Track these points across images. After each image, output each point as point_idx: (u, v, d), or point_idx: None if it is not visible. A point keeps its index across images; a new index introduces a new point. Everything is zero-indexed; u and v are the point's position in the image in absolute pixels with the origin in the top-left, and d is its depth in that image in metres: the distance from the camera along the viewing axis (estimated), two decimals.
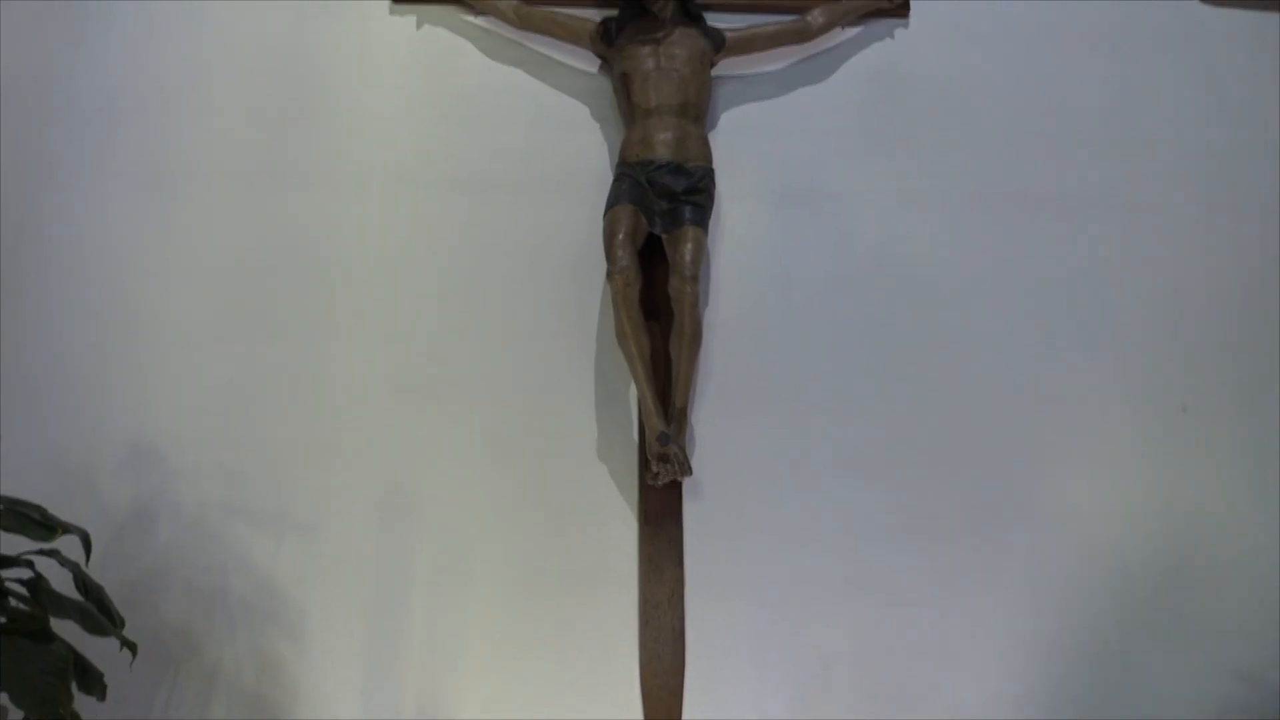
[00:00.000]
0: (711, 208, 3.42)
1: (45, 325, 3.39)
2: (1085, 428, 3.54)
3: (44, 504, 2.56)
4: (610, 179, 3.46)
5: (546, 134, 3.65)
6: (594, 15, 3.65)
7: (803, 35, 3.71)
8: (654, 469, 3.19)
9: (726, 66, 3.70)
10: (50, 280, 3.43)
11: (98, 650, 2.59)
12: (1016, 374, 3.57)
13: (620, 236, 3.23)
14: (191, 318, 3.43)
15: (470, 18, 3.78)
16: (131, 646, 2.58)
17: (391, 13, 3.79)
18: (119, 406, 3.33)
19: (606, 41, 3.57)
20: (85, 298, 3.43)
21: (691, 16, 3.58)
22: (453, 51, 3.77)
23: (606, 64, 3.67)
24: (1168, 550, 3.46)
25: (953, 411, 3.51)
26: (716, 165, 3.49)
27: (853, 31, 3.88)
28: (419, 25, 3.79)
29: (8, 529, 2.44)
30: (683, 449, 3.24)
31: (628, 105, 3.49)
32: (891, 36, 3.91)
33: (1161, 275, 3.73)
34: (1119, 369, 3.61)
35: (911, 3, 3.92)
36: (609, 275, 3.23)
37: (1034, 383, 3.57)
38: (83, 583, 2.54)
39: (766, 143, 3.71)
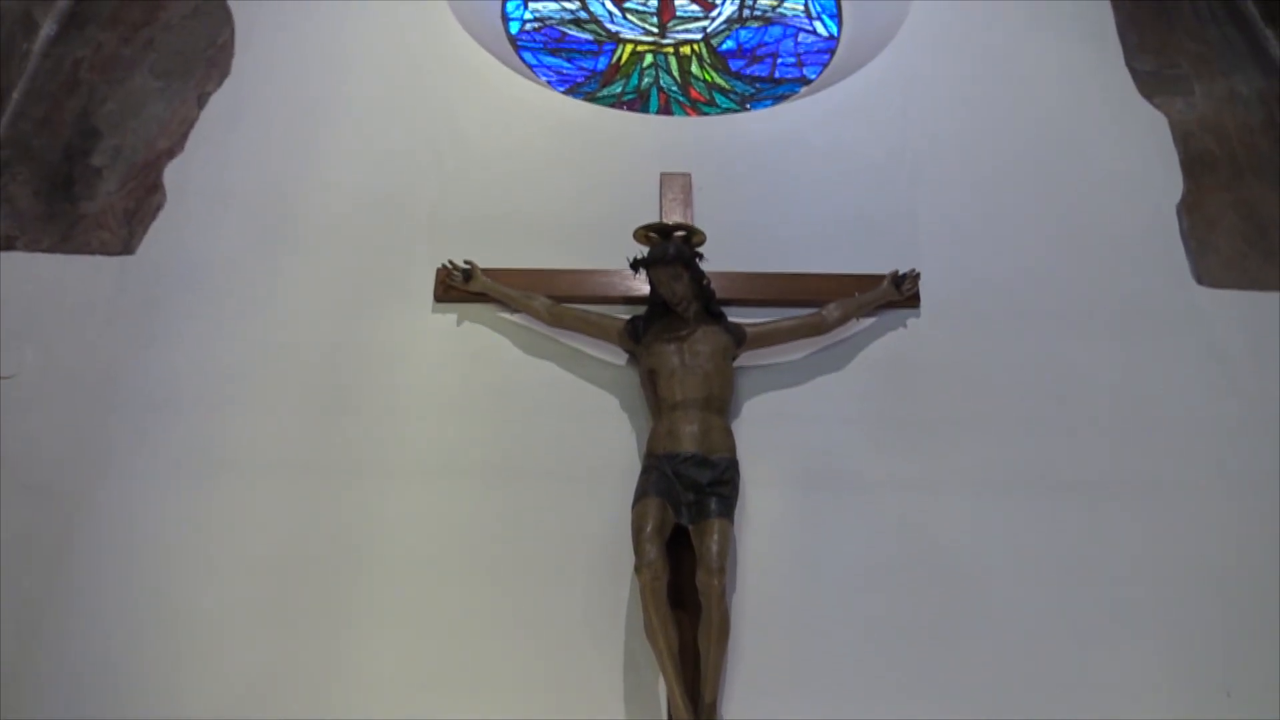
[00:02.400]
0: (736, 498, 3.52)
1: (87, 611, 3.46)
2: (1126, 717, 3.44)
3: None
4: (638, 469, 3.59)
5: (577, 425, 3.83)
6: (623, 313, 3.92)
7: (819, 329, 3.93)
8: None
9: (748, 358, 3.91)
10: (95, 567, 3.54)
11: None
12: (1051, 662, 3.50)
13: (648, 530, 3.32)
14: (229, 608, 3.49)
15: (507, 315, 4.06)
16: None
17: (434, 311, 4.09)
18: (154, 694, 3.35)
19: (634, 339, 3.81)
20: (128, 586, 3.51)
21: (714, 315, 3.82)
22: (490, 347, 4.03)
23: (634, 358, 3.89)
24: None
25: (987, 702, 3.42)
26: (740, 453, 3.62)
27: (867, 322, 4.11)
28: (459, 322, 4.07)
29: None
30: None
31: (654, 399, 3.68)
32: (904, 326, 4.13)
33: (1189, 556, 3.71)
34: (1156, 654, 3.53)
35: (921, 293, 4.16)
36: (637, 569, 3.28)
37: (1069, 671, 3.49)
38: None
39: (788, 431, 3.85)
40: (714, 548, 3.32)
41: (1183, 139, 4.78)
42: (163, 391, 3.89)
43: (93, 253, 4.23)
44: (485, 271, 4.04)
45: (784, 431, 3.84)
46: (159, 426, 3.81)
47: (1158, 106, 4.90)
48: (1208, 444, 3.93)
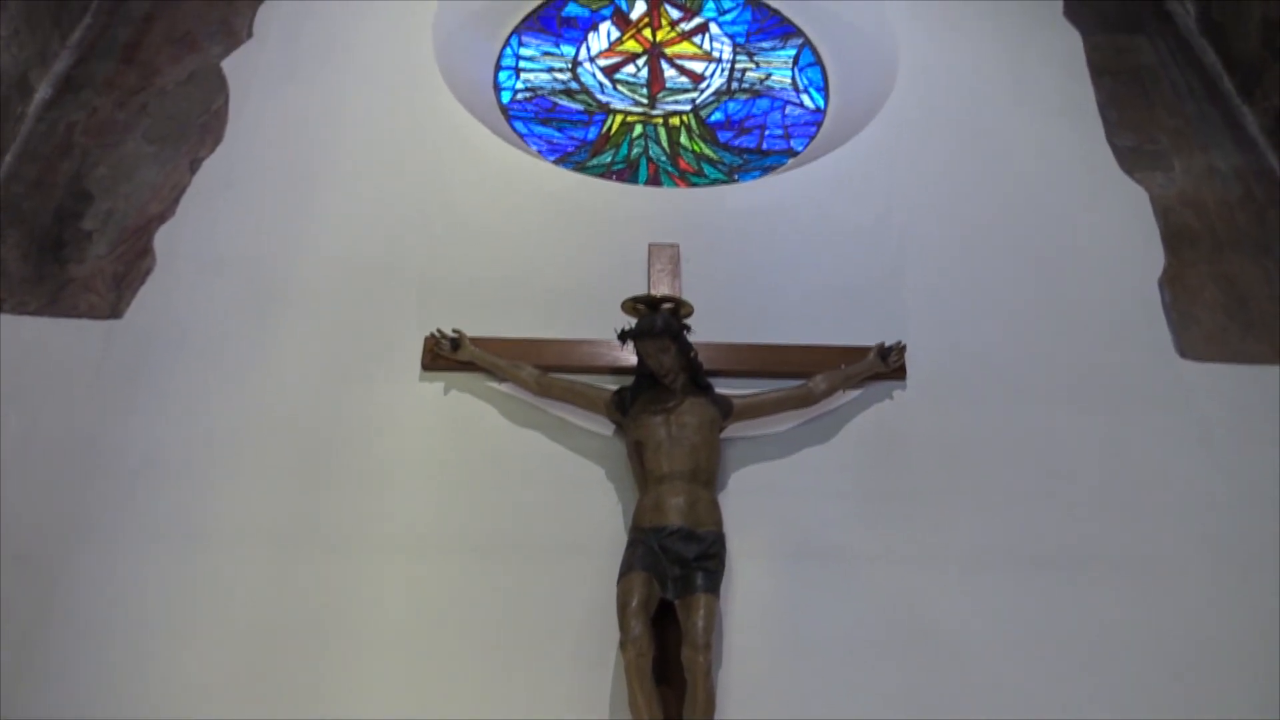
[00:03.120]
0: (722, 572, 3.50)
1: (66, 678, 3.39)
2: None
3: None
4: (624, 540, 3.58)
5: (564, 497, 3.81)
6: (610, 384, 3.93)
7: (806, 401, 3.95)
8: None
9: (735, 430, 3.91)
10: (75, 635, 3.47)
11: None
12: None
13: (633, 605, 3.29)
14: (209, 678, 3.42)
15: (494, 384, 4.06)
16: None
17: (421, 379, 4.09)
18: None
19: (621, 410, 3.81)
20: (107, 655, 3.44)
21: (701, 387, 3.83)
22: (477, 416, 4.02)
23: (621, 429, 3.88)
24: None
25: None
26: (727, 526, 3.61)
27: (854, 394, 4.13)
28: (446, 391, 4.06)
29: None
30: None
31: (641, 471, 3.67)
32: (891, 398, 4.15)
33: (1175, 629, 3.68)
34: None
35: (908, 366, 4.18)
36: (622, 645, 3.25)
37: None
38: None
39: (775, 503, 3.84)
40: (700, 624, 3.30)
41: (1163, 213, 4.86)
42: (145, 458, 3.85)
43: (80, 316, 4.22)
44: (473, 340, 4.05)
45: (771, 504, 3.83)
46: (141, 494, 3.77)
47: (1138, 181, 4.99)
48: (1193, 518, 3.93)
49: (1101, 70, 5.50)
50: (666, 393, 3.77)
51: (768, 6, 6.19)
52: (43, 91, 5.01)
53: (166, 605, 3.55)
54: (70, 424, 3.91)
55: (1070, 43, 5.64)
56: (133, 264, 4.39)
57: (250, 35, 5.31)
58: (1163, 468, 4.05)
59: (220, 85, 5.08)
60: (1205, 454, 4.10)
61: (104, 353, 4.11)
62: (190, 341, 4.16)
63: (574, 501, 3.80)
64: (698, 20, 6.13)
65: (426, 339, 4.12)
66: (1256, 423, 4.18)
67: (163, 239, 4.46)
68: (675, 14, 6.17)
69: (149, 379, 4.05)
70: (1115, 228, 4.78)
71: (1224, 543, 3.88)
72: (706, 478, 3.64)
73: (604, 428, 3.96)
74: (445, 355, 4.05)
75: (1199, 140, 5.20)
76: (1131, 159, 5.09)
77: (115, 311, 4.24)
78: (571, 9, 6.11)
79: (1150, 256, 4.69)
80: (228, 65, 5.16)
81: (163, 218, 4.54)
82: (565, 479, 3.86)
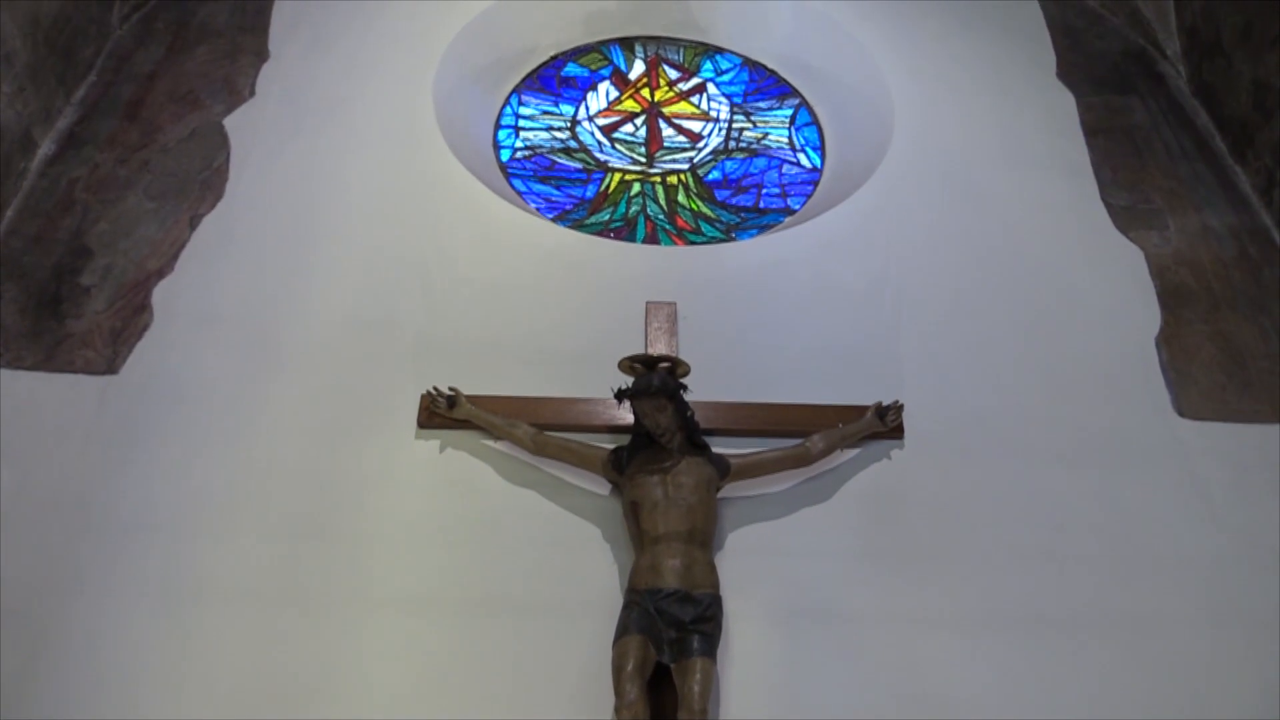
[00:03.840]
0: (719, 635, 3.46)
1: None
2: None
3: None
4: (620, 601, 3.53)
5: (559, 557, 3.77)
6: (607, 442, 3.91)
7: (803, 460, 3.93)
8: None
9: (732, 489, 3.89)
10: (65, 692, 3.40)
11: None
12: None
13: (629, 669, 3.25)
14: None
15: (490, 443, 4.04)
16: None
17: (417, 437, 4.07)
18: None
19: (618, 469, 3.79)
20: (98, 712, 3.37)
21: (697, 446, 3.81)
22: (473, 475, 4.00)
23: (617, 489, 3.86)
24: None
25: None
26: (724, 587, 3.57)
27: (852, 453, 4.11)
28: (442, 449, 4.04)
29: None
30: None
31: (637, 531, 3.64)
32: (889, 457, 4.13)
33: (1175, 690, 3.64)
34: None
35: (905, 425, 4.17)
36: (617, 710, 3.21)
37: None
38: None
39: (773, 564, 3.81)
40: (696, 688, 3.25)
41: (1159, 272, 4.88)
42: (138, 515, 3.81)
43: (76, 371, 4.21)
44: (469, 398, 4.04)
45: (769, 565, 3.80)
46: (133, 551, 3.72)
47: (1133, 240, 5.02)
48: (1193, 578, 3.90)
49: (1095, 130, 5.56)
50: (663, 452, 3.75)
51: (764, 67, 6.28)
52: (46, 147, 5.05)
53: (158, 664, 3.49)
54: (64, 480, 3.88)
55: (1063, 103, 5.71)
56: (130, 320, 4.39)
57: (253, 94, 5.37)
58: (1162, 527, 4.03)
59: (222, 142, 5.12)
60: (1205, 513, 4.08)
61: (99, 408, 4.09)
62: (185, 397, 4.14)
63: (569, 562, 3.76)
64: (695, 80, 6.22)
65: (423, 396, 4.11)
66: (1256, 482, 4.17)
67: (161, 295, 4.47)
68: (673, 74, 6.26)
69: (143, 435, 4.02)
70: (1112, 286, 4.80)
71: (1224, 602, 3.85)
72: (703, 539, 3.60)
73: (600, 487, 3.94)
74: (441, 413, 4.04)
75: (1193, 199, 5.24)
76: (1126, 218, 5.12)
77: (111, 367, 4.23)
78: (571, 69, 6.20)
79: (1147, 315, 4.71)
80: (230, 123, 5.20)
81: (161, 274, 4.55)
82: (561, 539, 3.83)
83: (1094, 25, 6.25)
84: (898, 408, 4.16)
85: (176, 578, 3.68)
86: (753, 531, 3.89)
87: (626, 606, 3.46)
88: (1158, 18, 6.01)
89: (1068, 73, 5.89)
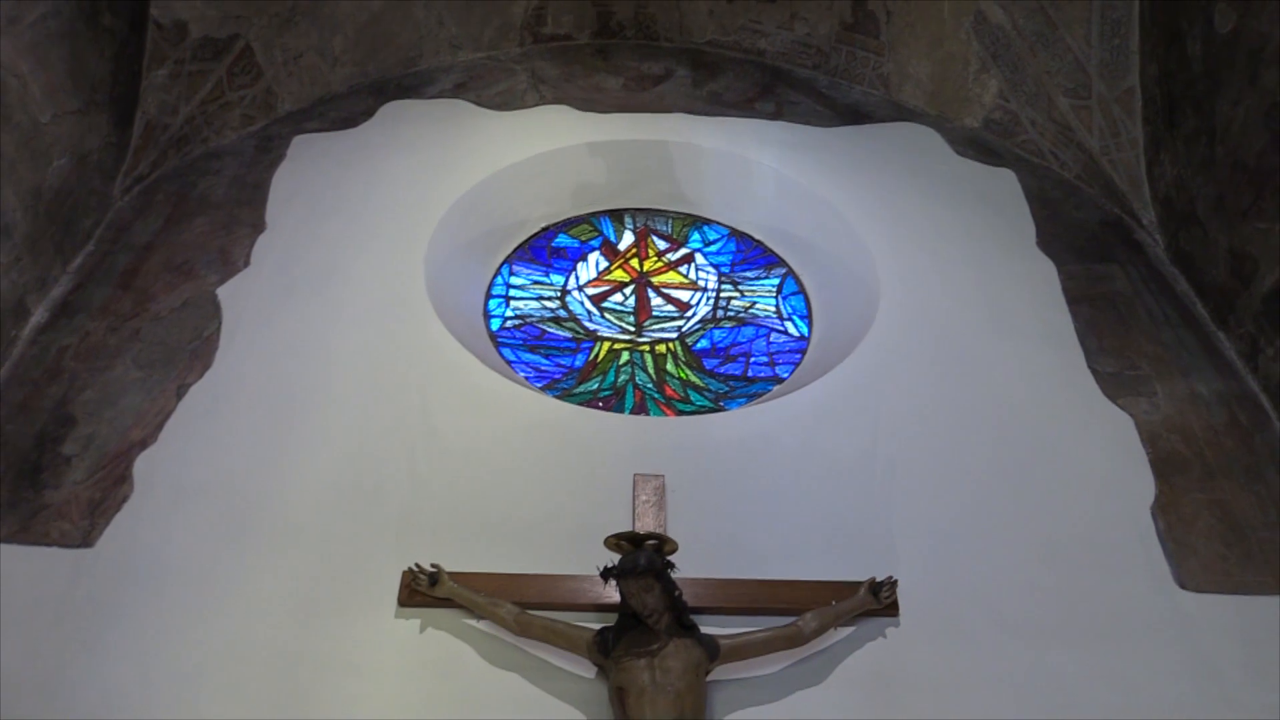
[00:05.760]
0: None
1: None
2: None
3: None
4: None
5: None
6: (593, 622, 3.79)
7: (795, 640, 3.81)
8: None
9: (722, 671, 3.75)
10: None
11: None
12: None
13: None
14: None
15: (473, 622, 3.92)
16: None
17: (398, 616, 3.94)
18: None
19: (603, 652, 3.67)
20: None
21: (686, 627, 3.70)
22: (454, 655, 3.86)
23: (603, 671, 3.72)
24: None
25: None
26: None
27: (846, 632, 3.98)
28: (423, 629, 3.92)
29: None
30: None
31: (623, 718, 3.49)
32: (884, 635, 4.01)
33: None
34: None
35: (900, 601, 4.06)
36: None
37: None
38: None
39: None
40: None
41: (1150, 439, 4.86)
42: (107, 698, 3.65)
43: (50, 544, 4.11)
44: (452, 575, 3.94)
45: None
46: None
47: (1122, 407, 5.01)
48: None
49: (1077, 298, 5.63)
50: (650, 634, 3.63)
51: (751, 238, 6.43)
52: (39, 315, 5.09)
53: None
54: (29, 659, 3.73)
55: (1045, 272, 5.79)
56: (109, 491, 4.32)
57: (248, 264, 5.45)
58: (1171, 706, 3.88)
59: (214, 312, 5.16)
60: (1211, 688, 3.93)
61: (71, 584, 3.97)
62: (160, 573, 4.03)
63: None
64: (684, 251, 6.36)
65: (404, 574, 4.00)
66: (1262, 655, 4.04)
67: (142, 466, 4.41)
68: (662, 244, 6.40)
69: (115, 613, 3.89)
70: (1103, 455, 4.77)
71: None
72: None
73: (585, 670, 3.80)
74: (423, 591, 3.94)
75: (1179, 365, 5.26)
76: (1114, 385, 5.13)
77: (87, 540, 4.13)
78: (562, 239, 6.34)
79: (1141, 484, 4.65)
80: (222, 292, 5.26)
81: (144, 444, 4.51)
82: None
83: (1070, 196, 6.42)
84: (892, 584, 4.06)
85: None
86: (744, 717, 3.72)
87: None
88: (1132, 188, 6.18)
89: (1048, 242, 6.00)
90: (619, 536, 3.76)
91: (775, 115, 6.93)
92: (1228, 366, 5.27)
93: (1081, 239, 6.08)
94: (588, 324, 5.82)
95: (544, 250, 6.25)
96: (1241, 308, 5.28)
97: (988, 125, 6.81)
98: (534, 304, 5.90)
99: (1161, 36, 5.71)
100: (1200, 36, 5.36)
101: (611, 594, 3.82)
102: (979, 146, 6.75)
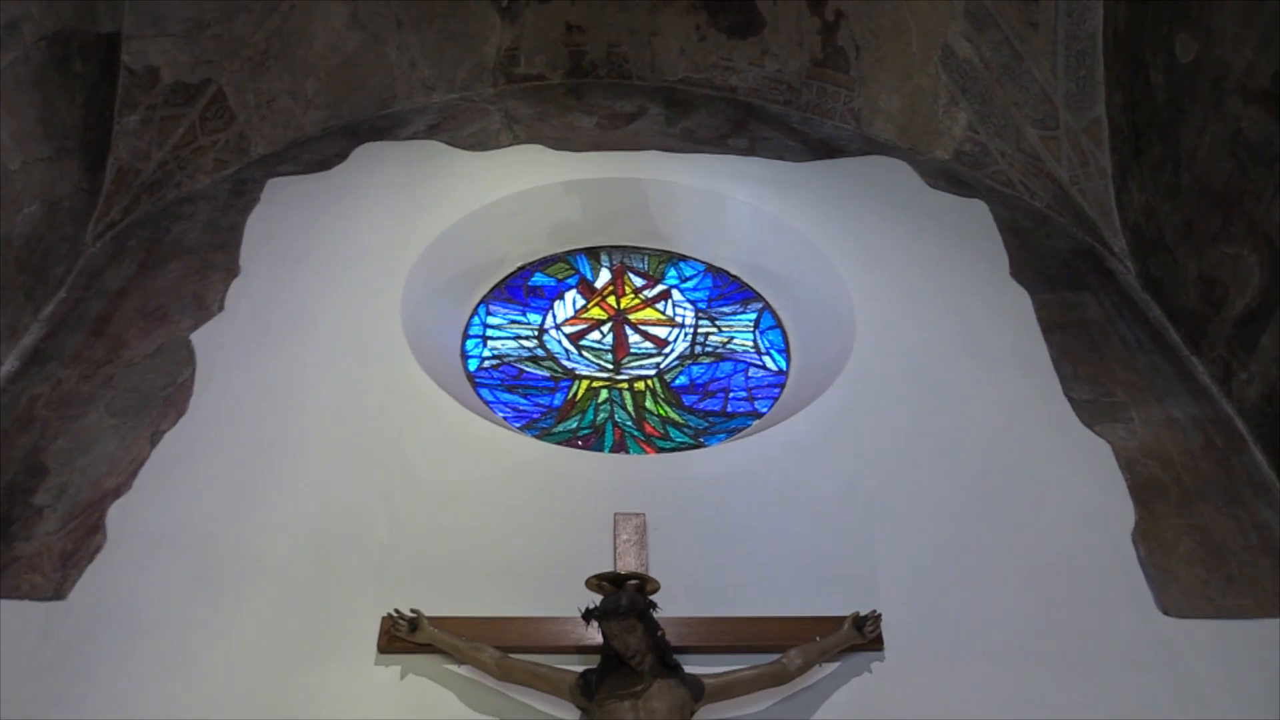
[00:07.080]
0: None
1: None
2: None
3: None
4: None
5: None
6: (576, 664, 3.75)
7: (780, 678, 3.78)
8: None
9: (707, 711, 3.70)
10: None
11: None
12: None
13: None
14: None
15: (454, 667, 3.87)
16: None
17: (377, 662, 3.89)
18: None
19: (586, 695, 3.62)
20: None
21: (669, 667, 3.66)
22: (435, 701, 3.81)
23: (587, 715, 3.67)
24: None
25: None
26: None
27: (830, 668, 3.95)
28: (403, 675, 3.86)
29: None
30: None
31: None
32: (869, 670, 3.98)
33: None
34: None
35: (884, 635, 4.04)
36: None
37: None
38: None
39: None
40: None
41: (1128, 465, 4.87)
42: None
43: (21, 597, 4.04)
44: (432, 620, 3.90)
45: None
46: None
47: (1099, 434, 5.03)
48: None
49: (1051, 326, 5.66)
50: (634, 675, 3.59)
51: (727, 273, 6.45)
52: (9, 364, 5.04)
53: None
54: (3, 714, 3.64)
55: (1019, 301, 5.83)
56: (82, 541, 4.26)
57: (222, 308, 5.42)
58: None
59: (188, 357, 5.12)
60: (1196, 713, 3.92)
61: (42, 638, 3.91)
62: (134, 624, 3.97)
63: None
64: (660, 287, 6.38)
65: (384, 619, 3.95)
66: (1247, 679, 4.03)
67: (115, 515, 4.35)
68: (638, 281, 6.42)
69: (89, 665, 3.83)
70: (1082, 482, 4.78)
71: None
72: None
73: (569, 713, 3.74)
74: (403, 637, 3.89)
75: (1154, 390, 5.29)
76: (1090, 412, 5.15)
77: (59, 592, 4.07)
78: (538, 279, 6.35)
79: (1120, 510, 4.66)
80: (196, 338, 5.22)
81: (118, 492, 4.45)
82: None
83: (1041, 225, 6.48)
84: (875, 618, 4.04)
85: None
86: None
87: None
88: (1102, 217, 6.25)
89: (1021, 271, 6.05)
90: (600, 577, 3.73)
91: (748, 151, 6.99)
92: (1202, 391, 5.30)
93: (1054, 267, 6.13)
94: (566, 363, 5.81)
95: (520, 289, 6.25)
96: (1213, 332, 5.32)
97: (958, 157, 6.89)
98: (511, 344, 5.88)
99: (1125, 67, 5.80)
100: (1163, 66, 5.44)
101: (594, 635, 3.79)
102: (950, 178, 6.82)
